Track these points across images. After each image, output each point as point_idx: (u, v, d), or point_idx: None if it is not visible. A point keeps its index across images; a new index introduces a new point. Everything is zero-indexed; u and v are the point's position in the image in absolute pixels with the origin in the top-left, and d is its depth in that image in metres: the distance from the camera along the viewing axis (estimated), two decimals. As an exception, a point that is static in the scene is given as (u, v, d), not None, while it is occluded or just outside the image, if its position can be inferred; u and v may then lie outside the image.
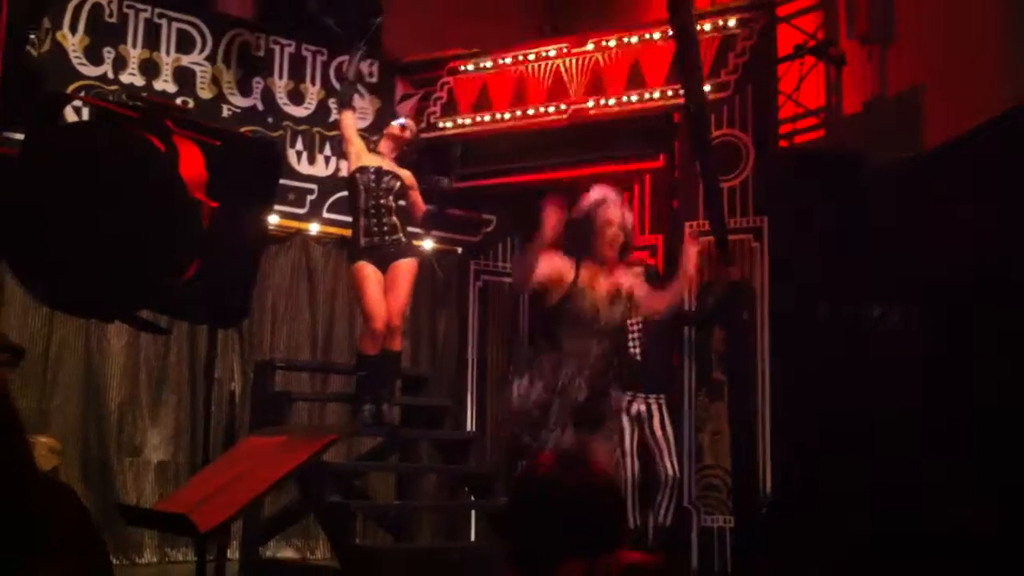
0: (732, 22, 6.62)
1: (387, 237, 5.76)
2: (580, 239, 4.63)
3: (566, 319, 4.55)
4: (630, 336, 6.22)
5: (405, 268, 5.80)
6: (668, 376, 6.42)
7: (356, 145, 5.95)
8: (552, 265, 4.56)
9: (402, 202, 5.94)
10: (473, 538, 7.20)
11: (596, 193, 4.73)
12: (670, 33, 6.60)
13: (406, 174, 5.95)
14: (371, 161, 5.90)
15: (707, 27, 6.62)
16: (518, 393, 4.53)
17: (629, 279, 4.75)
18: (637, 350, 6.22)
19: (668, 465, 6.10)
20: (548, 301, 4.61)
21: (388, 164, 5.92)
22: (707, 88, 6.28)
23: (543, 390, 4.49)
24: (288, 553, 6.92)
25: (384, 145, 6.00)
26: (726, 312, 6.23)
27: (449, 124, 7.46)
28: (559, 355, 4.53)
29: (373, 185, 5.79)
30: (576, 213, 4.68)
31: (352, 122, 6.09)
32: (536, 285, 4.61)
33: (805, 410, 6.03)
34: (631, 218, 4.74)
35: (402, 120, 6.18)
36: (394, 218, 5.81)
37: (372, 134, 7.48)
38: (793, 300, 6.26)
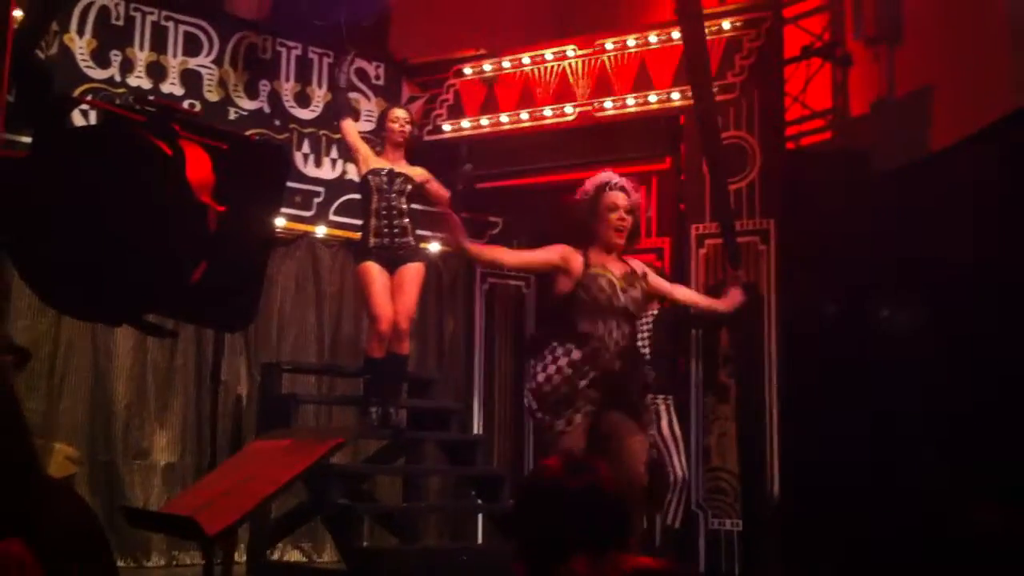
0: (739, 24, 6.60)
1: (397, 239, 5.77)
2: (583, 225, 4.45)
3: (582, 304, 4.37)
4: (640, 334, 6.21)
5: (413, 271, 5.81)
6: (676, 376, 6.40)
7: (362, 151, 5.96)
8: (560, 251, 4.43)
9: (416, 205, 5.95)
10: (480, 540, 7.20)
11: (600, 176, 4.56)
12: (676, 35, 6.61)
13: (418, 171, 5.96)
14: (381, 163, 5.91)
15: (713, 29, 6.60)
16: (540, 377, 4.39)
17: (641, 265, 4.64)
18: (647, 348, 6.21)
19: (677, 466, 6.08)
20: (560, 289, 4.46)
21: (399, 166, 5.93)
22: (714, 90, 6.27)
23: (566, 369, 4.35)
24: (295, 556, 6.93)
25: (390, 152, 5.99)
26: (734, 314, 6.22)
27: (455, 126, 7.46)
28: (579, 337, 4.37)
29: (385, 187, 5.81)
30: (579, 197, 4.54)
31: (353, 129, 6.10)
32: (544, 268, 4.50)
33: (813, 412, 6.02)
34: (639, 200, 4.52)
35: (397, 116, 6.06)
36: (406, 220, 5.82)
37: (378, 136, 7.50)
38: (801, 302, 6.25)
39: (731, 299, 4.91)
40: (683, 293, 4.84)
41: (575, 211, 4.49)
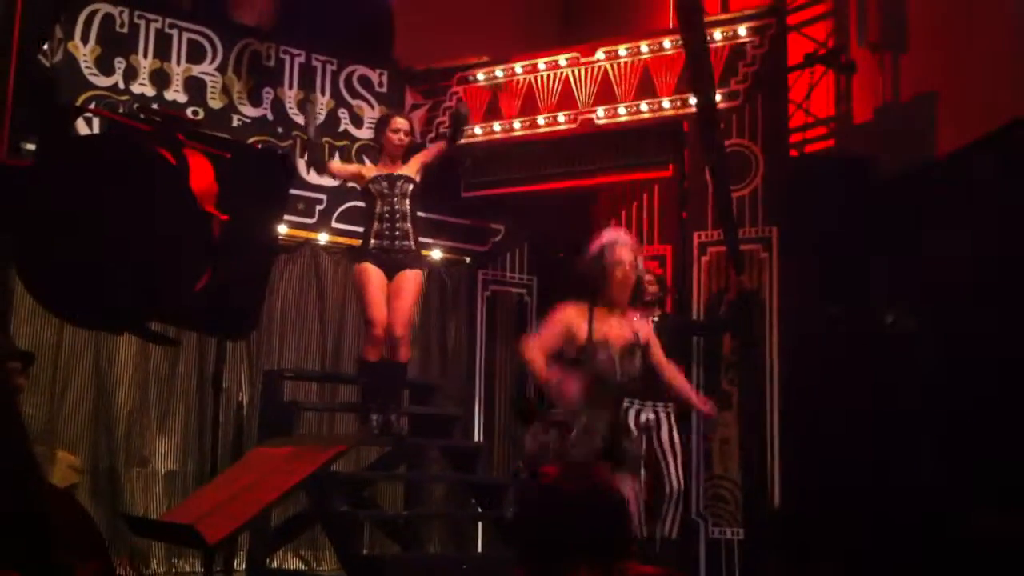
0: (742, 30, 6.60)
1: (397, 242, 5.77)
2: (591, 281, 4.49)
3: (583, 374, 4.45)
4: None
5: (411, 278, 5.80)
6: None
7: (359, 171, 6.02)
8: (565, 318, 4.46)
9: (421, 213, 5.98)
10: (481, 547, 7.18)
11: (608, 234, 4.65)
12: (680, 42, 6.62)
13: (413, 165, 5.97)
14: (380, 171, 5.93)
15: (717, 35, 6.61)
16: (533, 440, 4.43)
17: (644, 327, 4.67)
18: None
19: (674, 477, 6.05)
20: (564, 354, 4.50)
21: (397, 169, 5.94)
22: (717, 97, 6.28)
23: (559, 437, 4.38)
24: (295, 564, 6.91)
25: (386, 161, 5.99)
26: (737, 321, 6.21)
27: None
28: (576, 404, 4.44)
29: (387, 192, 5.82)
30: (587, 254, 4.62)
31: (339, 166, 6.24)
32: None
33: (816, 419, 6.00)
34: (643, 261, 4.60)
35: (399, 126, 6.05)
36: (408, 224, 5.82)
37: (376, 143, 7.50)
38: (804, 309, 6.24)
39: (706, 404, 4.91)
40: (670, 373, 4.82)
41: (583, 268, 4.56)
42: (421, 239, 6.13)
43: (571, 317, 4.41)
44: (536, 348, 4.33)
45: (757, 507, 5.99)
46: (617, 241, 4.56)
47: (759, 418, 6.09)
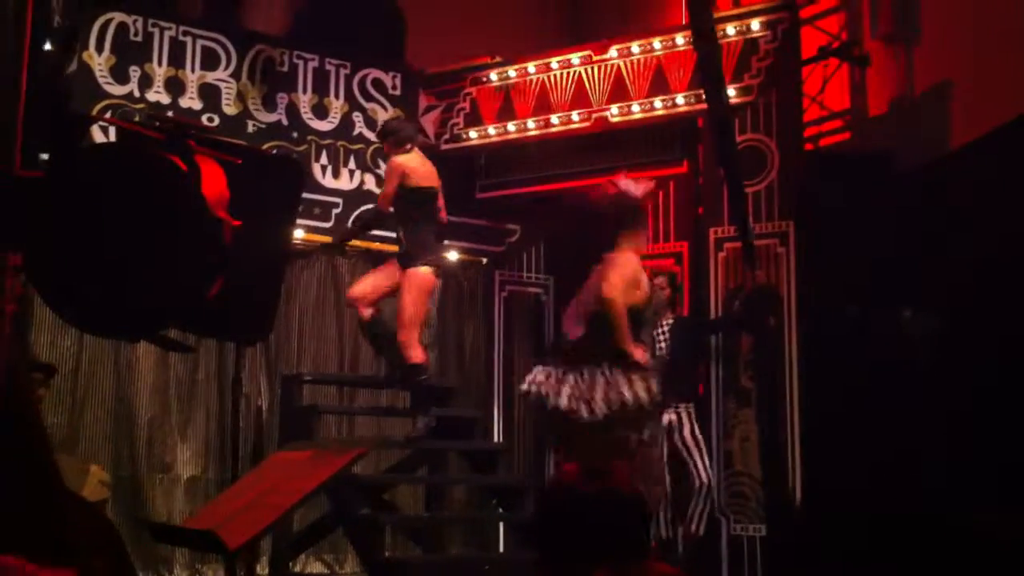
0: (755, 25, 6.58)
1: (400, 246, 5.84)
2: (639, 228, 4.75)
3: (646, 325, 4.69)
4: (658, 337, 6.20)
5: (407, 276, 5.69)
6: (695, 383, 6.38)
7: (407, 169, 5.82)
8: (639, 269, 4.66)
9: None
10: (502, 549, 7.18)
11: (633, 184, 4.83)
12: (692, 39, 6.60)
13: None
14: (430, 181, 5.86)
15: (730, 30, 6.58)
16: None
17: None
18: (664, 350, 6.20)
19: (702, 471, 6.06)
20: (631, 301, 4.68)
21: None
22: (731, 92, 6.26)
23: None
24: (317, 567, 6.93)
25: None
26: (753, 317, 6.18)
27: (473, 134, 7.47)
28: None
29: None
30: (625, 200, 4.77)
31: (389, 194, 5.82)
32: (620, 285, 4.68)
33: (836, 415, 5.97)
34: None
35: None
36: (399, 228, 5.85)
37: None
38: (821, 304, 6.21)
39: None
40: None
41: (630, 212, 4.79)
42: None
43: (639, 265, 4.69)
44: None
45: (775, 498, 5.96)
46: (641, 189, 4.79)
47: (777, 413, 6.06)
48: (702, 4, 5.53)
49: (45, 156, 4.01)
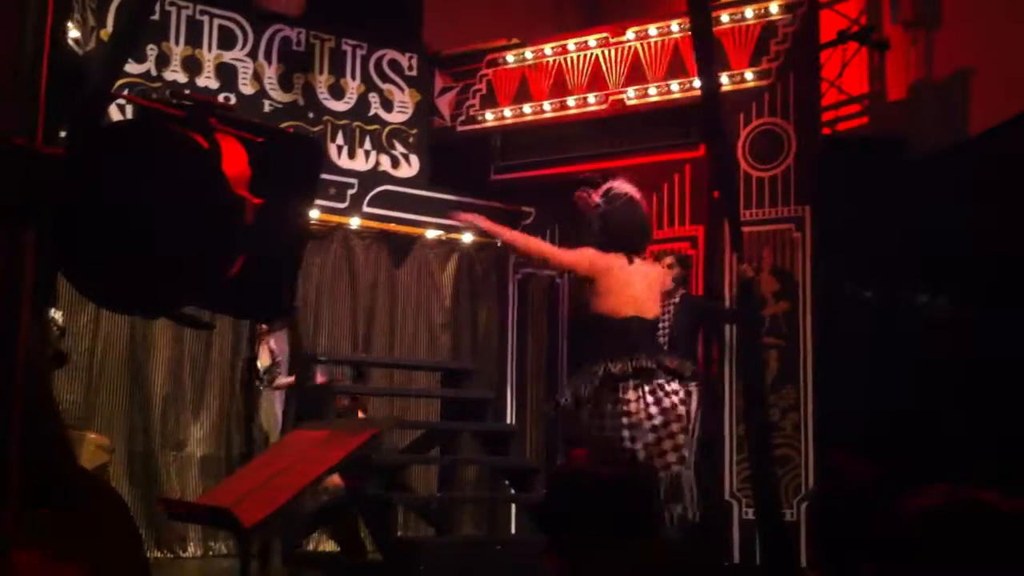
0: (773, 8, 6.54)
1: None
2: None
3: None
4: (661, 326, 6.21)
5: None
6: (695, 364, 6.35)
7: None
8: None
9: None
10: (514, 530, 7.21)
11: (626, 186, 4.78)
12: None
13: None
14: None
15: (748, 14, 6.55)
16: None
17: None
18: (665, 340, 6.20)
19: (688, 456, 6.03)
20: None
21: None
22: (749, 76, 6.23)
23: None
24: (330, 546, 6.97)
25: None
26: (740, 310, 6.16)
27: (489, 116, 7.45)
28: None
29: None
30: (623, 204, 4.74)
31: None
32: None
33: (850, 401, 5.96)
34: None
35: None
36: None
37: (412, 127, 7.51)
38: (837, 289, 6.19)
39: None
40: None
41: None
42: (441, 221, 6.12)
43: None
44: None
45: (763, 484, 5.94)
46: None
47: (761, 402, 6.04)
48: None
49: (64, 134, 4.02)
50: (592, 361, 4.99)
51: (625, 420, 4.77)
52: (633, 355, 4.85)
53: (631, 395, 4.81)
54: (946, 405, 5.57)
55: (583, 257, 4.94)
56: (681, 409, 5.12)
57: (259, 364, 5.98)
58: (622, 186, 5.01)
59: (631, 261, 5.09)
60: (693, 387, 6.09)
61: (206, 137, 2.24)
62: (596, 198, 5.00)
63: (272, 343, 7.09)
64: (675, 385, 4.92)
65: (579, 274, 5.01)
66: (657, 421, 4.80)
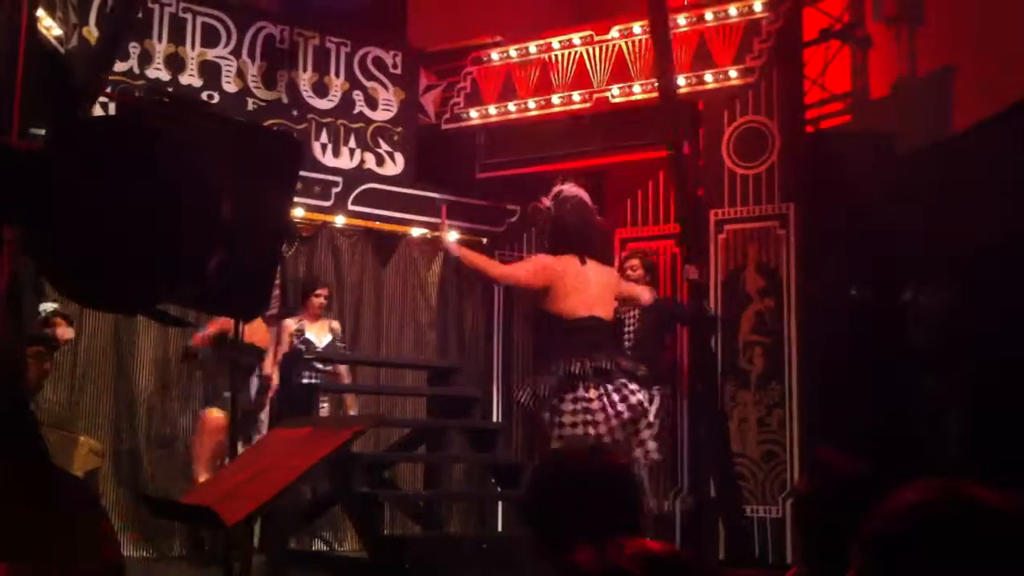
0: (757, 6, 6.55)
1: None
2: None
3: None
4: (626, 328, 6.24)
5: None
6: (661, 363, 6.37)
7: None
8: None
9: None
10: (501, 527, 7.21)
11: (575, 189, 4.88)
12: (695, 19, 6.59)
13: None
14: None
15: (732, 11, 6.56)
16: None
17: None
18: (630, 341, 6.22)
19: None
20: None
21: None
22: (733, 73, 6.24)
23: None
24: (316, 544, 6.95)
25: None
26: (690, 312, 6.20)
27: (474, 114, 7.45)
28: None
29: None
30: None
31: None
32: None
33: (835, 398, 5.98)
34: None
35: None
36: None
37: (396, 125, 7.50)
38: (821, 286, 6.21)
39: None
40: None
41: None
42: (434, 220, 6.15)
43: None
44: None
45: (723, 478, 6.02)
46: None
47: (711, 402, 6.10)
48: None
49: (40, 131, 4.02)
50: (551, 360, 5.03)
51: (588, 417, 4.81)
52: (592, 355, 4.91)
53: (592, 393, 4.86)
54: (935, 399, 5.60)
55: (536, 268, 5.10)
56: (648, 407, 5.17)
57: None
58: (571, 189, 5.09)
59: (583, 262, 5.16)
60: (656, 388, 6.12)
61: (184, 134, 2.25)
62: (546, 202, 5.10)
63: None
64: (636, 384, 4.98)
65: (536, 287, 5.13)
66: (626, 417, 4.84)
